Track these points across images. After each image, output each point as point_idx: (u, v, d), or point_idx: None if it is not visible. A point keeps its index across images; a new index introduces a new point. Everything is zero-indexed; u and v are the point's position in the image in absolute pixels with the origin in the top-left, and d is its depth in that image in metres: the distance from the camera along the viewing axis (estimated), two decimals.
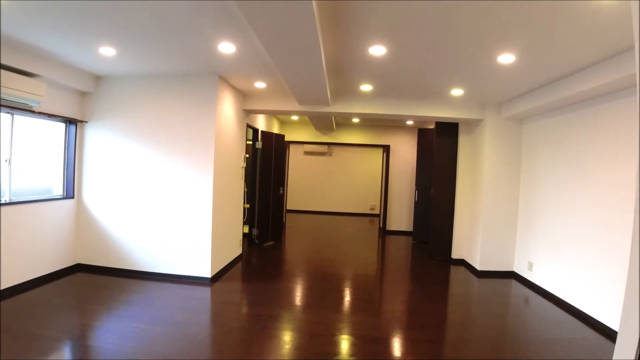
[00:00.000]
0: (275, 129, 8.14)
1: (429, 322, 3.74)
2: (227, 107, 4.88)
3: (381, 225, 8.78)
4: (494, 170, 5.45)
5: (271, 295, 4.27)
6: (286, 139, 8.62)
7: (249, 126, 5.99)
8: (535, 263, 4.87)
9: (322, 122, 7.63)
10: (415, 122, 7.83)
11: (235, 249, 5.53)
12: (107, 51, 3.63)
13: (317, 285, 4.83)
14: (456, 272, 5.70)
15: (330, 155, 11.75)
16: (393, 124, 8.39)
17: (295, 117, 8.13)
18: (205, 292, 4.27)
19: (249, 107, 5.52)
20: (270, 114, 7.12)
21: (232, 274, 4.99)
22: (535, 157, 5.08)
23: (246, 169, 5.96)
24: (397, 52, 3.35)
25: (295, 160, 11.48)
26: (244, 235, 6.32)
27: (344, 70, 4.06)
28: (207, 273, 4.54)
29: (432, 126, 7.61)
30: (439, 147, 6.23)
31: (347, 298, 4.42)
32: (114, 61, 3.98)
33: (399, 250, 7.32)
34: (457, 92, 4.74)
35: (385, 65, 3.77)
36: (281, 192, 7.13)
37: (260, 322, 3.53)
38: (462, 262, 6.04)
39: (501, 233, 5.45)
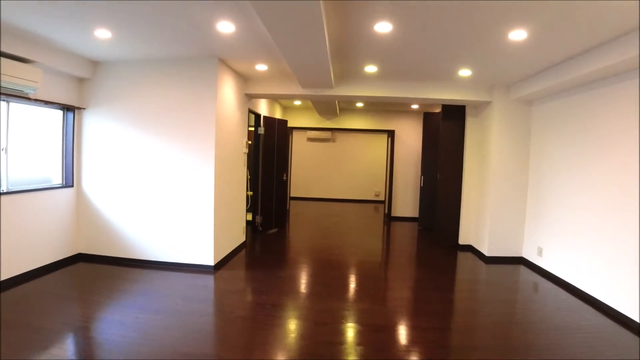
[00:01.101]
0: (278, 115, 7.99)
1: (436, 310, 3.66)
2: (228, 92, 4.75)
3: (386, 212, 8.69)
4: (502, 154, 5.30)
5: (275, 283, 4.20)
6: (289, 124, 8.48)
7: (250, 111, 5.86)
8: (545, 248, 4.76)
9: (326, 107, 7.47)
10: (420, 105, 7.66)
11: (238, 237, 5.46)
12: (103, 34, 3.49)
13: (321, 272, 4.76)
14: (463, 259, 5.62)
15: (334, 141, 11.61)
16: (398, 108, 8.22)
17: (297, 102, 7.99)
18: (209, 280, 4.21)
19: (251, 91, 5.38)
20: (273, 98, 6.97)
21: (235, 262, 4.93)
22: (545, 140, 4.93)
23: (249, 155, 5.86)
24: (403, 29, 3.19)
25: (299, 146, 11.35)
26: (248, 222, 6.26)
27: (348, 50, 3.90)
28: (210, 261, 4.48)
29: (438, 110, 7.44)
30: (445, 131, 6.08)
31: (352, 286, 4.35)
32: (110, 45, 3.84)
33: (405, 236, 7.24)
34: (465, 72, 4.58)
35: (391, 44, 3.62)
36: (284, 178, 7.04)
37: (264, 310, 3.47)
38: (470, 248, 5.94)
39: (509, 218, 5.34)
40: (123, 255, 4.65)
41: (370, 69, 4.58)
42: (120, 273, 4.31)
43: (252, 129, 6.45)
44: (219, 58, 4.32)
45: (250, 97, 5.58)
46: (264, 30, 3.08)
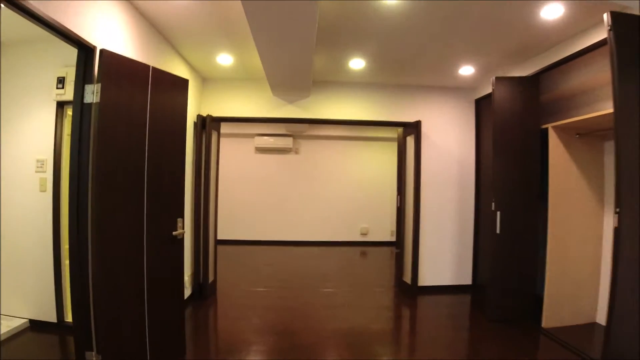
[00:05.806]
0: (189, 97, 3.61)
1: None
2: None
3: (407, 279, 4.59)
4: None
5: None
6: (218, 114, 4.29)
7: (49, 26, 1.66)
8: None
9: (292, 71, 3.40)
10: (479, 69, 3.82)
11: None
12: None
13: None
14: None
15: (296, 153, 7.48)
16: (426, 80, 4.27)
17: (227, 59, 3.80)
18: None
19: None
20: None
21: None
22: None
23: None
24: None
25: (240, 161, 7.16)
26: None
27: None
28: None
29: (515, 74, 3.61)
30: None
31: None
32: None
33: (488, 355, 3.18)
34: None
35: None
36: (179, 233, 2.74)
37: None
38: None
39: None
40: None
41: None
42: None
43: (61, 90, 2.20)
44: None
45: None
46: None
